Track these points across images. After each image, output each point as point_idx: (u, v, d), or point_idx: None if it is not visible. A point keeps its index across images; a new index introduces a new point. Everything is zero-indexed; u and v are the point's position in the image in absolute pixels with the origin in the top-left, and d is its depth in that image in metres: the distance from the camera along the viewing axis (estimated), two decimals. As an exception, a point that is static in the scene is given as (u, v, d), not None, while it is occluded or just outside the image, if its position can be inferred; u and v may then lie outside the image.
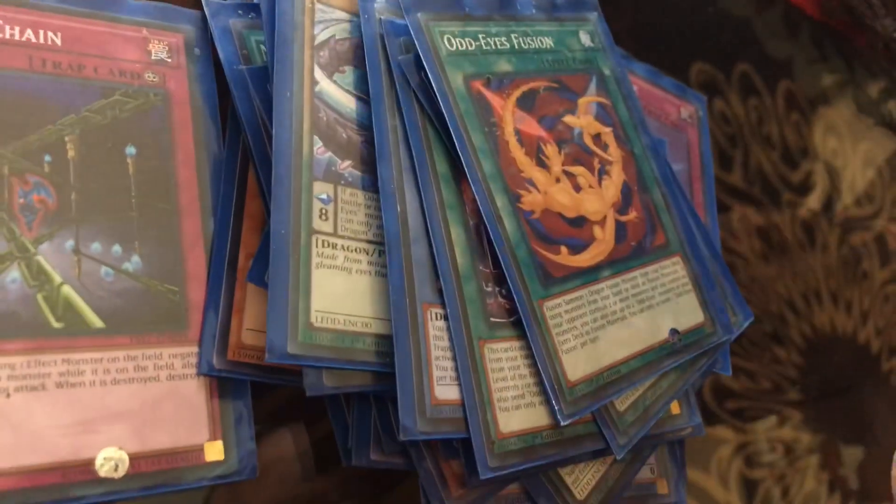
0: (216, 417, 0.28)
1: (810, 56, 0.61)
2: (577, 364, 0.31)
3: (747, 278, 0.51)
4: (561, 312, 0.31)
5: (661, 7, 0.52)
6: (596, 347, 0.32)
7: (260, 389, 0.30)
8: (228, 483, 0.28)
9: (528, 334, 0.30)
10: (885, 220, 0.61)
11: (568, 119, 0.36)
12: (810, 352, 0.53)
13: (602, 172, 0.35)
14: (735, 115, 0.55)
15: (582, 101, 0.37)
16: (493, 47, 0.34)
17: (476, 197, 0.31)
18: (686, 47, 0.53)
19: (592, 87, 0.37)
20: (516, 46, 0.35)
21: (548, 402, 0.30)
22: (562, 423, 0.30)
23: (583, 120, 0.36)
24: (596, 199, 0.35)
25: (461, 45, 0.33)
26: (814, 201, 0.58)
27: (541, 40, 0.36)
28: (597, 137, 0.36)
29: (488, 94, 0.33)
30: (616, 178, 0.36)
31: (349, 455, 0.30)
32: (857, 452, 0.52)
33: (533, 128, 0.34)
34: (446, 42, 0.33)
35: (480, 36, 0.34)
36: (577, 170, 0.35)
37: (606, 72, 0.38)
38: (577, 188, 0.34)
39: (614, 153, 0.36)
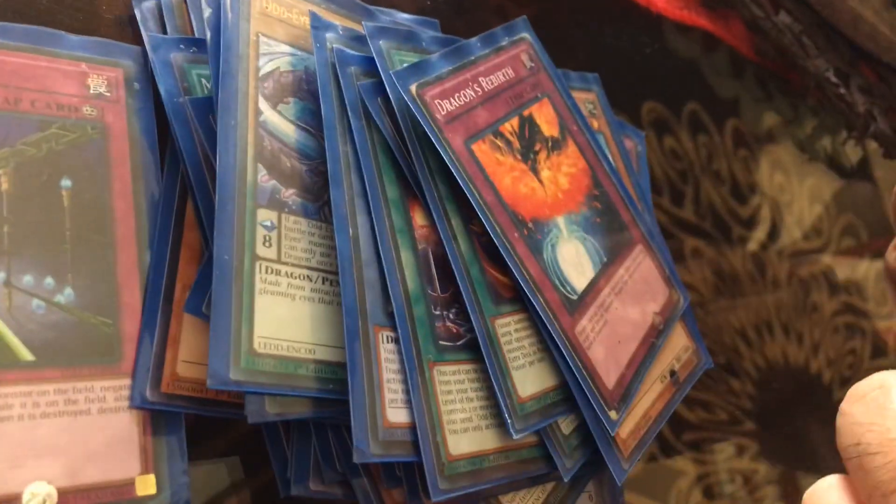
0: (148, 451, 0.27)
1: (755, 95, 0.63)
2: (526, 382, 0.30)
3: (701, 311, 0.52)
4: (511, 331, 0.31)
5: (612, 49, 0.53)
6: (542, 368, 0.31)
7: (194, 424, 0.29)
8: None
9: (482, 349, 0.30)
10: (833, 254, 0.63)
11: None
12: (763, 382, 0.53)
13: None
14: (685, 151, 0.56)
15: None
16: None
17: (433, 216, 0.31)
18: (637, 87, 0.54)
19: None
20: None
21: (496, 424, 0.29)
22: (514, 437, 0.29)
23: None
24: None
25: None
26: (763, 235, 0.59)
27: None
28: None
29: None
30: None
31: (287, 485, 0.29)
32: (815, 482, 0.52)
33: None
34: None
35: None
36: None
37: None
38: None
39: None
